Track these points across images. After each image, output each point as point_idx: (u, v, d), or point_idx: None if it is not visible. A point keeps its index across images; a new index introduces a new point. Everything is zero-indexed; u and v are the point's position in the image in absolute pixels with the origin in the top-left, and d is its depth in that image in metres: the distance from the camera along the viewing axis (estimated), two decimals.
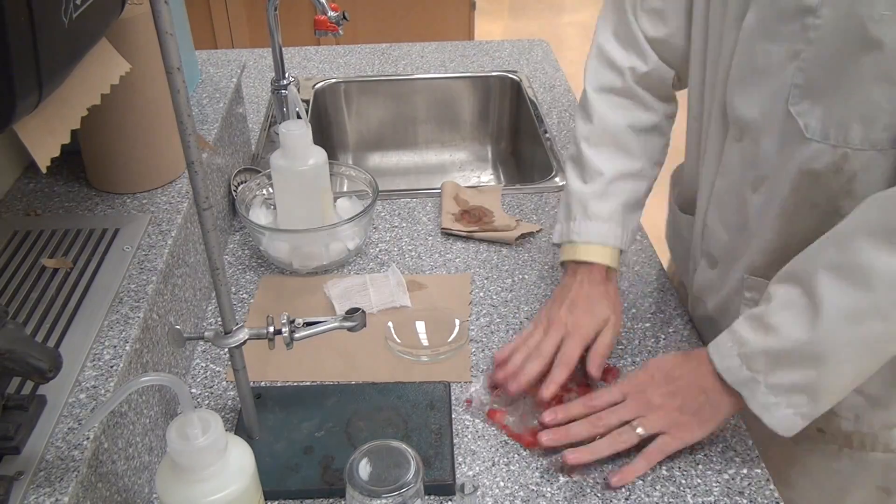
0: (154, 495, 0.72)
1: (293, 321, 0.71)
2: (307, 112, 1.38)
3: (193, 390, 0.84)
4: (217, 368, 0.87)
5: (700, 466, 0.76)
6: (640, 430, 0.74)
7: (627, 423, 0.74)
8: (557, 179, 1.23)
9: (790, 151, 0.72)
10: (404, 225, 1.13)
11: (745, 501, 0.72)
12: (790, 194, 0.74)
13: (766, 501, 0.72)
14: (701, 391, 0.74)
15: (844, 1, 0.63)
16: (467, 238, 1.09)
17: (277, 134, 0.98)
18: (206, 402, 0.83)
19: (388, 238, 1.10)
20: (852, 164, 0.69)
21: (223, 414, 0.81)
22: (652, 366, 0.78)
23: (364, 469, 0.63)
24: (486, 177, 1.58)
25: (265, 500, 0.73)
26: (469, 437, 0.79)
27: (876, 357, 0.68)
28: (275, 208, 1.07)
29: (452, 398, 0.83)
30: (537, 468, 0.76)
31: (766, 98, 0.72)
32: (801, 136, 0.70)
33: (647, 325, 0.94)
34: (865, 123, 0.67)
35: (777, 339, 0.69)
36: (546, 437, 0.75)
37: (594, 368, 0.82)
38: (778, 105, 0.71)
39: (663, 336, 0.92)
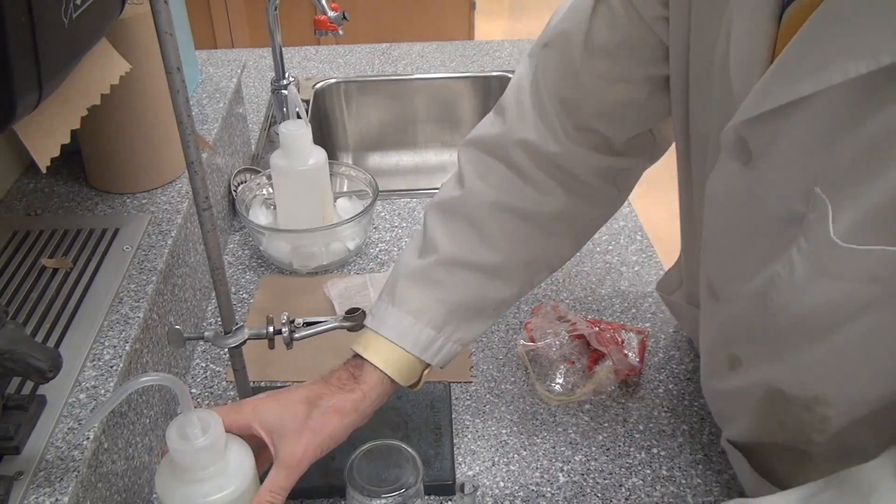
0: (154, 495, 0.72)
1: (293, 321, 0.71)
2: (307, 112, 1.37)
3: (193, 390, 0.84)
4: (217, 368, 0.87)
5: (700, 466, 0.76)
6: None
7: None
8: None
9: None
10: (404, 225, 1.13)
11: None
12: (762, 400, 0.59)
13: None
14: None
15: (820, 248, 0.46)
16: None
17: (277, 134, 0.98)
18: (206, 402, 0.83)
19: (388, 238, 1.10)
20: (824, 409, 0.54)
21: None
22: None
23: (364, 469, 0.63)
24: None
25: None
26: (469, 437, 0.79)
27: None
28: (275, 208, 1.07)
29: (452, 398, 0.83)
30: (537, 468, 0.76)
31: (740, 276, 0.55)
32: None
33: (647, 325, 0.93)
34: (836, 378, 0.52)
35: None
36: None
37: None
38: (757, 298, 0.53)
39: (663, 336, 0.92)
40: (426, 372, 0.68)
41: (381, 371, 0.64)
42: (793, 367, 0.53)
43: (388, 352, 0.65)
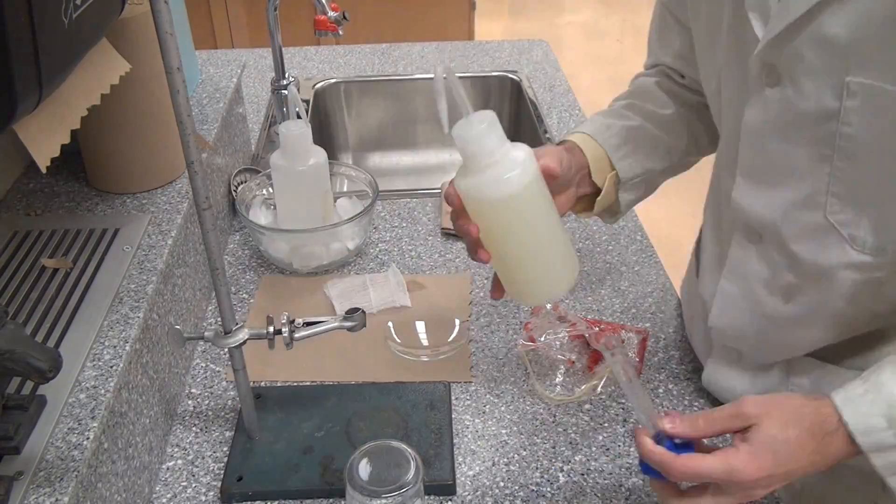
0: (154, 495, 0.72)
1: (293, 321, 0.71)
2: (307, 112, 1.37)
3: (193, 390, 0.84)
4: (217, 368, 0.87)
5: None
6: None
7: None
8: None
9: (838, 261, 0.61)
10: (404, 225, 1.13)
11: None
12: (847, 305, 0.63)
13: (766, 501, 0.72)
14: (813, 465, 0.56)
15: (882, 114, 0.53)
16: None
17: (277, 134, 0.98)
18: (206, 401, 0.83)
19: (388, 238, 1.10)
20: None
21: (223, 414, 0.81)
22: (770, 460, 0.56)
23: (364, 469, 0.63)
24: None
25: (263, 500, 0.73)
26: (469, 437, 0.79)
27: None
28: (275, 208, 1.07)
29: (452, 398, 0.83)
30: (537, 468, 0.76)
31: (789, 202, 0.62)
32: (850, 247, 0.60)
33: (647, 324, 0.94)
34: None
35: None
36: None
37: None
38: (810, 212, 0.60)
39: (663, 336, 0.92)
40: (599, 197, 0.77)
41: (582, 151, 0.76)
42: (875, 236, 0.58)
43: (582, 137, 0.78)
